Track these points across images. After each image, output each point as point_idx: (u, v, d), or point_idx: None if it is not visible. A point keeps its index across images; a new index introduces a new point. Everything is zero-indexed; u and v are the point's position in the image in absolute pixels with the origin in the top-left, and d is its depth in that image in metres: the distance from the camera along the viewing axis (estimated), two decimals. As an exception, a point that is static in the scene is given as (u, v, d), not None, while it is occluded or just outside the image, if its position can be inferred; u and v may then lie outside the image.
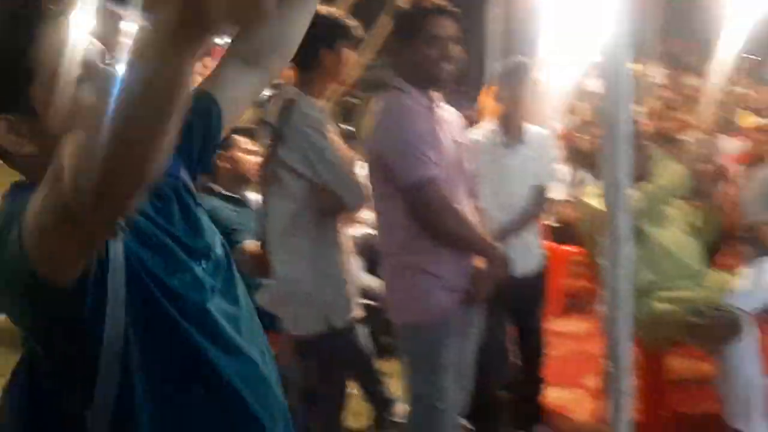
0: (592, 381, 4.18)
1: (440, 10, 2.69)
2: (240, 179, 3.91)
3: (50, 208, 0.97)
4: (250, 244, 3.55)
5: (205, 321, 1.25)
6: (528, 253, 3.57)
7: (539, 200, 3.63)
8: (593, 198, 3.76)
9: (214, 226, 1.38)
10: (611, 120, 2.67)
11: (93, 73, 1.14)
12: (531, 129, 3.59)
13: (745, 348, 3.38)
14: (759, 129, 4.81)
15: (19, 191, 1.18)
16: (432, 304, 2.70)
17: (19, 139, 1.14)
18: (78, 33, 1.12)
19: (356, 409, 3.70)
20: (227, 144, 3.98)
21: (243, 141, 3.96)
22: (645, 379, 3.46)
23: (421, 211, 2.62)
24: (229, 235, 3.60)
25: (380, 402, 3.70)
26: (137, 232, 1.19)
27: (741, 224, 4.09)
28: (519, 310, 3.62)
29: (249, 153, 3.93)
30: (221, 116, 1.43)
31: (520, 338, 3.69)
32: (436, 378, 2.70)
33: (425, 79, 2.73)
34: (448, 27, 2.69)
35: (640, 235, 3.29)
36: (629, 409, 2.68)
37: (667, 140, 4.77)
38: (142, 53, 0.84)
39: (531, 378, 3.72)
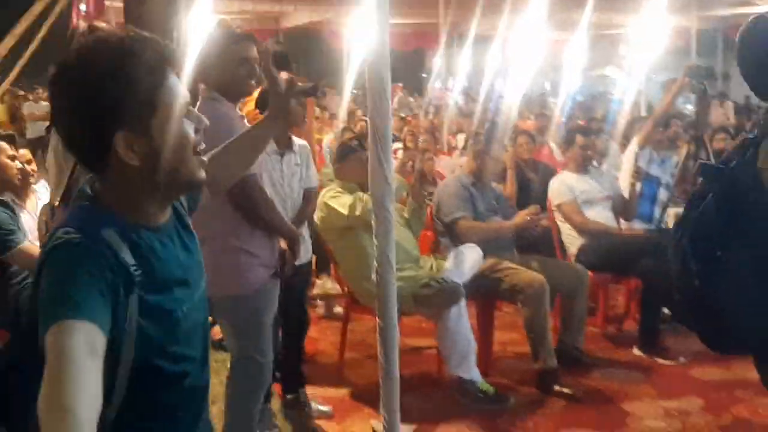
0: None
1: (248, 37, 3.25)
2: (4, 184, 3.99)
3: None
4: (29, 245, 3.72)
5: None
6: (304, 244, 4.15)
7: (309, 200, 4.22)
8: (332, 199, 4.46)
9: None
10: (378, 130, 3.38)
11: (190, 114, 1.56)
12: (296, 140, 4.18)
13: (461, 311, 4.31)
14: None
15: (83, 211, 1.52)
16: (252, 278, 3.20)
17: (130, 153, 1.47)
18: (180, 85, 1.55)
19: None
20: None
21: (5, 147, 4.05)
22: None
23: (244, 202, 3.14)
24: (7, 236, 3.72)
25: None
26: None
27: (437, 220, 5.06)
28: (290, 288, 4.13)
29: (12, 159, 4.03)
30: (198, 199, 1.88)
31: (287, 314, 4.21)
32: (257, 338, 3.21)
33: (236, 94, 3.25)
34: (252, 50, 3.25)
35: (371, 229, 4.01)
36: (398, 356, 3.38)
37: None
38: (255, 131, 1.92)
39: (298, 347, 4.30)
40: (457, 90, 16.73)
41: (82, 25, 4.48)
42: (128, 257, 1.46)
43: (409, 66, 28.61)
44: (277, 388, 4.24)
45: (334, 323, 5.54)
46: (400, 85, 29.95)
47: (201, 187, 1.67)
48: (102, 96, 1.43)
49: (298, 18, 14.65)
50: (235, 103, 3.28)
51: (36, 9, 7.95)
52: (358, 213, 4.31)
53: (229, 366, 3.38)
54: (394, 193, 3.35)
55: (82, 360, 1.27)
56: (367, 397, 4.30)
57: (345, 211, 4.38)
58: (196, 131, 1.56)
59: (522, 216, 4.91)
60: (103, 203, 1.53)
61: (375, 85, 3.37)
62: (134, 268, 1.46)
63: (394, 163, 4.24)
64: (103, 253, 1.42)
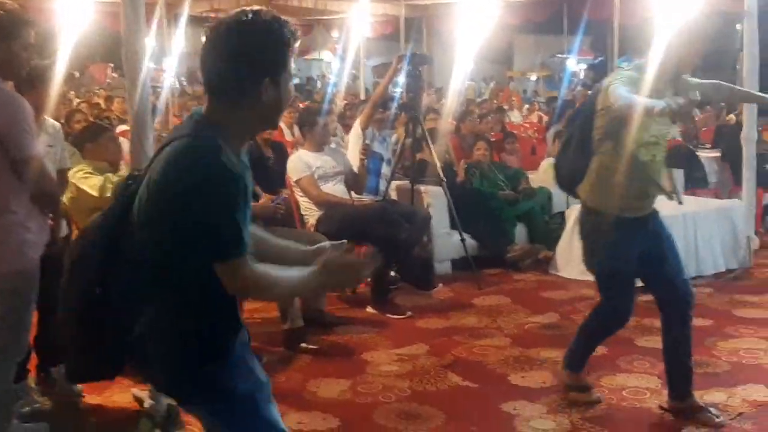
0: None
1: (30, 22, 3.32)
2: None
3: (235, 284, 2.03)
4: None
5: None
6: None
7: (63, 181, 4.27)
8: (82, 180, 4.54)
9: None
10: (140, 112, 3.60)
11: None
12: (49, 122, 4.21)
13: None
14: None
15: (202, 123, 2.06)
16: (32, 254, 3.31)
17: (267, 92, 2.04)
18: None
19: None
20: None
21: None
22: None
23: (33, 179, 3.22)
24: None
25: None
26: None
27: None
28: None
29: None
30: None
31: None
32: (24, 315, 3.37)
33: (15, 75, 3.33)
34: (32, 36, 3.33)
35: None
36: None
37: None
38: (308, 279, 2.08)
39: (51, 325, 4.32)
40: (171, 71, 16.61)
41: None
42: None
43: (119, 46, 27.59)
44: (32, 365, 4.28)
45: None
46: (111, 65, 28.95)
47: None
48: (259, 49, 2.03)
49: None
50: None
51: None
52: (108, 195, 4.44)
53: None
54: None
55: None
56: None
57: (95, 193, 4.48)
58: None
59: (265, 201, 5.26)
60: (220, 124, 2.04)
61: (130, 66, 3.60)
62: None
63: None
64: (240, 177, 1.97)
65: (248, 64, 2.02)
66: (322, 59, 25.94)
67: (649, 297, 5.87)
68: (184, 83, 17.43)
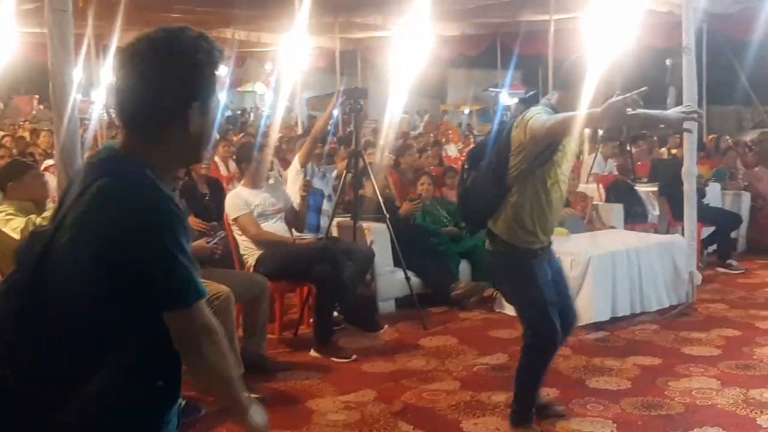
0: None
1: None
2: None
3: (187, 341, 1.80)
4: None
5: None
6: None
7: None
8: (2, 223, 4.24)
9: None
10: (69, 146, 3.38)
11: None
12: None
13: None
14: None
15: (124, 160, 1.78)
16: None
17: (198, 120, 1.80)
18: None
19: None
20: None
21: None
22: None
23: None
24: None
25: None
26: None
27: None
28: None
29: None
30: None
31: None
32: None
33: None
34: None
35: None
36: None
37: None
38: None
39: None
40: (100, 102, 16.21)
41: None
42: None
43: (45, 77, 26.90)
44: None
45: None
46: (37, 97, 28.22)
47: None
48: (194, 70, 1.78)
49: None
50: None
51: None
52: None
53: None
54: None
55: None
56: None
57: (17, 236, 4.19)
58: None
59: (201, 242, 5.03)
60: (145, 162, 1.77)
61: (57, 98, 3.36)
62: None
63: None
64: (183, 214, 1.75)
65: (174, 88, 1.77)
66: (255, 91, 25.73)
67: (599, 335, 5.88)
68: (113, 115, 16.97)
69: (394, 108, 11.76)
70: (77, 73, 12.61)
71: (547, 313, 3.89)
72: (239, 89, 24.71)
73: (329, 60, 15.04)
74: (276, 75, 16.83)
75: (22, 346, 1.71)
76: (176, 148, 1.82)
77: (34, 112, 20.91)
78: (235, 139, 13.38)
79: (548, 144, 3.72)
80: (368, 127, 16.83)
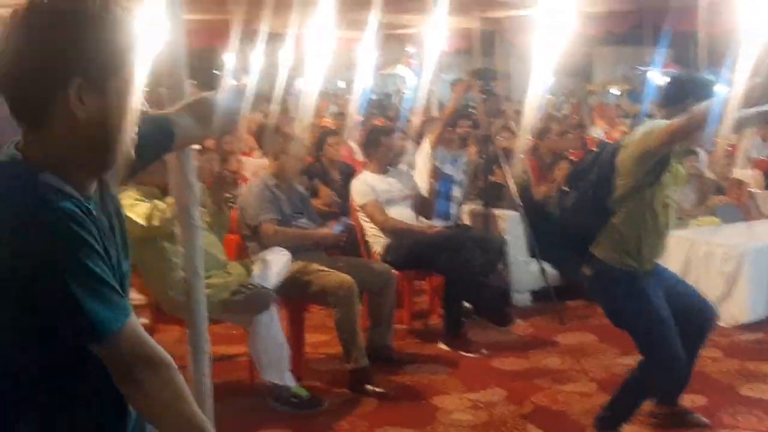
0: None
1: None
2: None
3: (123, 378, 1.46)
4: None
5: None
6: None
7: None
8: (129, 209, 4.24)
9: None
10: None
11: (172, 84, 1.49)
12: None
13: (272, 316, 4.24)
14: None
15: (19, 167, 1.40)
16: None
17: (79, 103, 1.38)
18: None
19: None
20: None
21: None
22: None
23: None
24: None
25: None
26: None
27: (244, 224, 4.95)
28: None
29: None
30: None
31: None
32: None
33: None
34: None
35: (173, 236, 3.85)
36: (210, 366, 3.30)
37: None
38: None
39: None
40: (250, 88, 16.53)
41: None
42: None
43: (202, 63, 27.92)
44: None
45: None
46: (194, 83, 29.24)
47: (122, 164, 1.52)
48: (71, 35, 1.36)
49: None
50: None
51: None
52: (156, 224, 4.14)
53: None
54: (198, 199, 3.23)
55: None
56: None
57: (143, 222, 4.18)
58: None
59: (326, 229, 4.91)
60: (35, 162, 1.40)
61: (173, 86, 3.26)
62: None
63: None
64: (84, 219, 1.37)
65: (41, 60, 1.36)
66: (397, 74, 25.64)
67: (754, 336, 5.37)
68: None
69: (537, 89, 11.38)
70: (229, 59, 12.84)
71: (662, 335, 3.56)
72: (381, 72, 24.69)
73: (468, 41, 14.70)
74: (417, 57, 16.66)
75: None
76: (70, 144, 1.41)
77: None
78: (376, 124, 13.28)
79: (664, 154, 3.44)
80: (510, 110, 16.44)
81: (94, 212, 1.44)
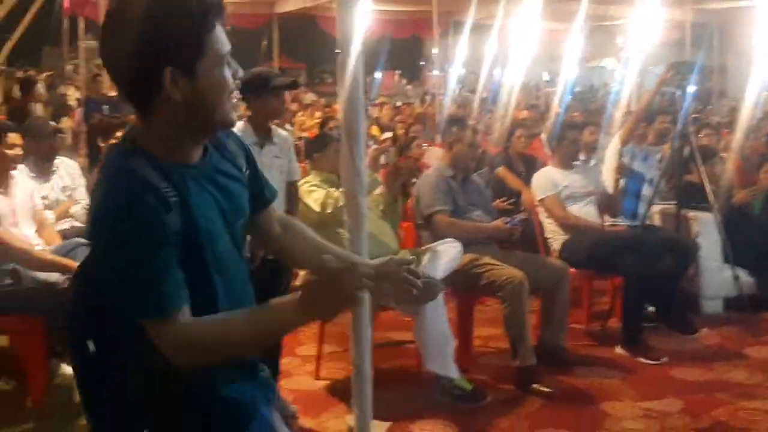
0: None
1: None
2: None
3: (169, 349, 1.59)
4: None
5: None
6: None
7: (293, 194, 4.13)
8: (307, 194, 4.38)
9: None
10: (351, 122, 3.30)
11: (230, 62, 1.67)
12: (276, 130, 4.09)
13: (438, 306, 4.23)
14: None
15: (121, 152, 1.66)
16: None
17: (175, 88, 1.58)
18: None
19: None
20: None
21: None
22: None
23: None
24: None
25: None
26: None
27: (417, 213, 4.98)
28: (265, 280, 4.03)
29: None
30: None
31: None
32: None
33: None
34: None
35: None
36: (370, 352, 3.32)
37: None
38: (280, 315, 1.65)
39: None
40: (453, 79, 16.61)
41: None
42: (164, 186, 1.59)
43: (406, 53, 28.42)
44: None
45: (317, 315, 5.47)
46: (398, 72, 29.90)
47: (232, 127, 1.79)
48: (155, 30, 1.55)
49: (292, 2, 14.54)
50: None
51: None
52: (329, 211, 4.25)
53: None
54: (366, 188, 3.26)
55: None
56: (343, 391, 4.23)
57: (317, 208, 4.30)
58: (234, 78, 1.69)
59: (499, 222, 4.82)
60: (140, 145, 1.65)
61: (346, 75, 3.30)
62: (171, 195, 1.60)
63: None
64: (151, 204, 1.56)
65: (137, 57, 1.57)
66: (604, 67, 24.89)
67: None
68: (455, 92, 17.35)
69: (756, 85, 10.65)
70: (434, 50, 13.07)
71: None
72: (588, 64, 24.03)
73: (680, 33, 13.99)
74: (626, 49, 16.05)
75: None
76: (174, 123, 1.63)
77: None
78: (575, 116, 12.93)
79: None
80: (725, 106, 15.47)
81: (189, 177, 1.66)
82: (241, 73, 1.70)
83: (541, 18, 14.06)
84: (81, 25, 12.81)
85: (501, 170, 6.30)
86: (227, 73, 1.66)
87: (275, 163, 4.03)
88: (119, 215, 1.55)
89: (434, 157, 7.44)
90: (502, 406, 4.26)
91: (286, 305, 1.64)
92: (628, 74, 14.92)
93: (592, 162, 6.14)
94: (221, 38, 1.63)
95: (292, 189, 4.18)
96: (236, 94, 1.72)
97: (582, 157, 5.73)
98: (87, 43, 13.03)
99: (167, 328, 1.58)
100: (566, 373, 4.70)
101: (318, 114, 12.37)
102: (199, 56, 1.59)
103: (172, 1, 1.57)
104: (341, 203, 4.12)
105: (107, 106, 8.68)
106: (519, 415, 4.18)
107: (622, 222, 5.57)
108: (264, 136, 3.97)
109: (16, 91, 13.50)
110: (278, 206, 3.92)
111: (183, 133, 1.66)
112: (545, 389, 4.39)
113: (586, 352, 5.11)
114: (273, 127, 4.11)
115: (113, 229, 1.56)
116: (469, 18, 13.20)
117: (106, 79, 11.65)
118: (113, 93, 9.49)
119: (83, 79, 12.10)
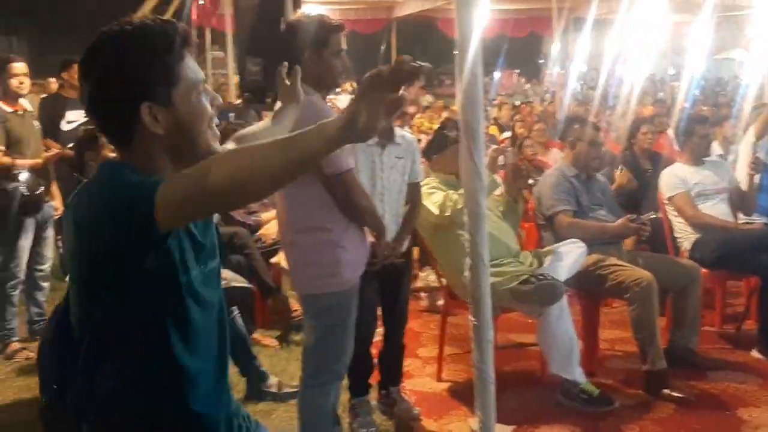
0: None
1: (341, 28, 3.20)
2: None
3: (192, 184, 1.46)
4: None
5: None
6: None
7: (415, 195, 4.13)
8: (426, 196, 4.36)
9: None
10: (470, 122, 3.26)
11: (206, 90, 1.69)
12: (399, 131, 4.10)
13: (562, 308, 4.14)
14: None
15: (113, 166, 1.67)
16: (347, 275, 3.15)
17: (155, 122, 1.60)
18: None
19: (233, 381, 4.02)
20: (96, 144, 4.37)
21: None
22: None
23: (343, 195, 3.08)
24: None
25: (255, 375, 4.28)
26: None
27: (539, 214, 4.89)
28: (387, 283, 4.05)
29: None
30: None
31: (385, 309, 4.16)
32: (342, 336, 3.18)
33: (327, 86, 3.21)
34: (344, 42, 3.20)
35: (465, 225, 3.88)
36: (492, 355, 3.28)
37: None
38: (309, 140, 1.42)
39: (395, 344, 4.21)
40: (574, 76, 16.32)
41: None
42: None
43: (524, 52, 28.08)
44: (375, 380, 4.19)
45: (437, 317, 5.43)
46: (517, 71, 29.57)
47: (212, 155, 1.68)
48: (128, 69, 1.58)
49: (410, 6, 14.62)
50: (325, 95, 3.24)
51: (149, 4, 8.15)
52: (447, 214, 4.23)
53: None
54: (486, 188, 3.23)
55: None
56: (465, 393, 4.20)
57: (435, 211, 4.28)
58: (211, 106, 1.70)
59: (624, 222, 4.66)
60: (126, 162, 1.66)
61: (465, 75, 3.27)
62: None
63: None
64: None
65: (116, 94, 1.60)
66: (733, 59, 23.86)
67: None
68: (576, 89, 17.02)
69: None
70: (553, 47, 12.89)
71: None
72: (715, 57, 23.10)
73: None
74: (757, 40, 15.34)
75: None
76: (155, 153, 1.64)
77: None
78: (704, 109, 12.44)
79: None
80: None
81: None
82: (219, 100, 1.73)
83: (665, 10, 13.64)
84: (208, 36, 13.27)
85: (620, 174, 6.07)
86: (204, 100, 1.68)
87: (398, 164, 4.03)
88: (117, 188, 1.57)
89: (558, 157, 7.31)
90: (631, 411, 4.13)
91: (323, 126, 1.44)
92: (759, 65, 14.26)
93: (730, 157, 5.89)
94: (192, 66, 1.66)
95: (414, 190, 4.18)
96: (216, 122, 1.70)
97: (719, 151, 5.49)
98: (214, 54, 13.50)
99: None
100: (699, 377, 4.51)
101: (439, 115, 12.34)
102: (172, 85, 1.61)
103: (139, 39, 1.59)
104: (460, 206, 4.10)
105: (233, 114, 8.95)
106: (649, 421, 4.04)
107: (758, 219, 5.32)
108: (386, 135, 4.00)
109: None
110: (400, 208, 3.97)
111: (167, 164, 1.66)
112: (677, 394, 4.23)
113: (720, 355, 4.89)
114: (396, 128, 4.12)
115: (112, 197, 1.57)
116: (591, 13, 12.92)
117: (231, 87, 12.06)
118: (238, 101, 9.76)
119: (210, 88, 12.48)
